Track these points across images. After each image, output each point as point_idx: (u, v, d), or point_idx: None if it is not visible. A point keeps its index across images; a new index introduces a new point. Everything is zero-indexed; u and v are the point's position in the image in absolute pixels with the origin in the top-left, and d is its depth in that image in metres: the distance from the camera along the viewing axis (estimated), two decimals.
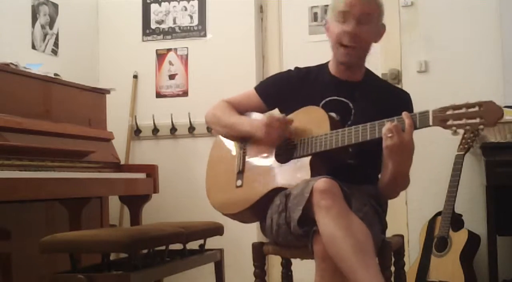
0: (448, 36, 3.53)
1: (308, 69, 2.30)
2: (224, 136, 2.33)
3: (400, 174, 1.98)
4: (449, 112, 1.78)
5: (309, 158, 2.03)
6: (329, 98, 2.17)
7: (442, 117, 1.79)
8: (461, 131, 1.79)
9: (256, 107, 2.30)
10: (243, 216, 2.20)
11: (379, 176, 2.12)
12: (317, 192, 1.80)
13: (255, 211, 2.13)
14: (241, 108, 2.31)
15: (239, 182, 2.18)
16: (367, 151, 2.05)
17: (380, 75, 3.58)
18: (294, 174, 2.05)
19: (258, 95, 2.30)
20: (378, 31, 2.18)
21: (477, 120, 1.73)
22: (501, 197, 3.11)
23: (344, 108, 2.15)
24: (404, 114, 1.86)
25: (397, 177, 2.00)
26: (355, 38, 2.09)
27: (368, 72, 2.27)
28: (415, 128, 1.86)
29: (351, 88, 2.19)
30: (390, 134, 1.84)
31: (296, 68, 2.32)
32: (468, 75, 3.45)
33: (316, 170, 2.00)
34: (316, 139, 2.03)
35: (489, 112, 1.72)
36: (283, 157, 2.11)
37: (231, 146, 2.29)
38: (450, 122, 1.77)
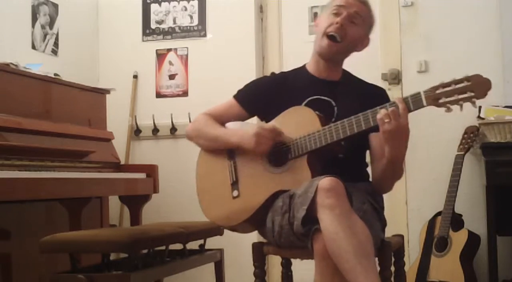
0: (448, 36, 3.53)
1: (284, 74, 2.37)
2: (208, 150, 2.31)
3: (397, 160, 2.01)
4: (440, 90, 1.82)
5: (305, 157, 2.04)
6: (311, 97, 2.19)
7: (435, 97, 1.83)
8: (454, 107, 1.82)
9: (237, 116, 2.31)
10: (245, 225, 2.18)
11: (374, 172, 2.14)
12: (322, 191, 1.82)
13: (255, 218, 2.11)
14: (222, 119, 2.31)
15: (235, 193, 2.17)
16: (356, 145, 2.09)
17: (380, 75, 3.61)
18: (293, 174, 2.05)
19: (238, 103, 2.31)
20: (363, 38, 2.22)
21: (468, 94, 1.77)
22: (501, 197, 3.11)
23: (326, 107, 2.17)
24: (397, 99, 1.90)
25: (394, 163, 2.02)
26: (341, 31, 2.14)
27: (345, 72, 2.30)
28: (410, 111, 1.90)
29: (332, 87, 2.22)
30: (387, 120, 1.87)
31: (273, 73, 2.41)
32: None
33: (313, 168, 2.02)
34: (309, 137, 2.04)
35: (478, 85, 1.77)
36: (278, 160, 2.11)
37: (218, 158, 2.26)
38: (442, 100, 1.82)
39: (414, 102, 1.88)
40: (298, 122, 2.10)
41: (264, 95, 2.27)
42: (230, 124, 2.30)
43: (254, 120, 2.43)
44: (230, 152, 2.23)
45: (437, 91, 1.82)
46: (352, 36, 2.17)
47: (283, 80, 2.30)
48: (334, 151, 2.07)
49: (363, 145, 2.20)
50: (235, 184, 2.18)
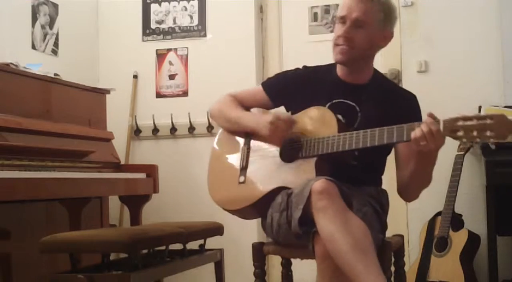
0: (448, 36, 3.53)
1: (316, 69, 2.29)
2: (228, 131, 2.31)
3: (430, 171, 2.01)
4: (460, 123, 1.74)
5: (314, 159, 2.02)
6: (336, 100, 2.15)
7: (452, 128, 1.76)
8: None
9: (261, 104, 2.29)
10: (244, 212, 2.19)
11: (400, 179, 2.11)
12: (315, 193, 1.82)
13: (257, 208, 2.12)
14: (246, 104, 2.30)
15: (241, 178, 2.17)
16: (371, 154, 2.05)
17: None
18: (298, 174, 2.04)
19: (264, 92, 2.29)
20: (378, 36, 2.13)
21: (488, 133, 1.69)
22: (501, 197, 3.11)
23: (350, 111, 2.13)
24: (429, 117, 1.82)
25: (426, 175, 2.02)
26: (347, 40, 2.09)
27: (376, 75, 2.24)
28: None
29: (358, 91, 2.17)
30: (423, 142, 1.81)
31: (304, 66, 2.31)
32: (468, 75, 3.45)
33: (320, 171, 2.00)
34: (323, 140, 2.02)
35: (500, 125, 1.68)
36: (288, 156, 2.10)
37: (235, 141, 2.26)
38: (460, 133, 1.74)
39: None
40: (316, 123, 2.08)
41: (291, 88, 2.24)
42: (253, 111, 2.29)
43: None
44: (247, 137, 2.22)
45: (457, 123, 1.74)
46: (361, 41, 2.10)
47: (312, 76, 2.25)
48: (346, 159, 2.04)
49: (380, 153, 2.16)
50: (243, 170, 2.18)
